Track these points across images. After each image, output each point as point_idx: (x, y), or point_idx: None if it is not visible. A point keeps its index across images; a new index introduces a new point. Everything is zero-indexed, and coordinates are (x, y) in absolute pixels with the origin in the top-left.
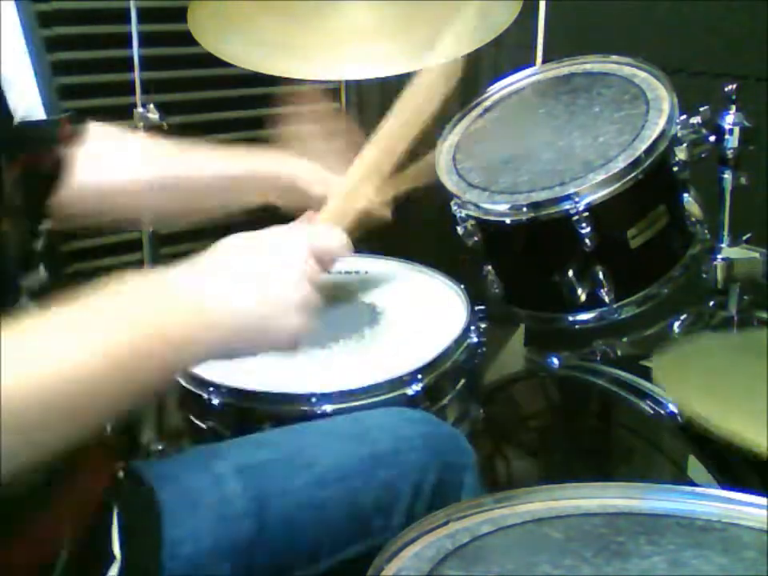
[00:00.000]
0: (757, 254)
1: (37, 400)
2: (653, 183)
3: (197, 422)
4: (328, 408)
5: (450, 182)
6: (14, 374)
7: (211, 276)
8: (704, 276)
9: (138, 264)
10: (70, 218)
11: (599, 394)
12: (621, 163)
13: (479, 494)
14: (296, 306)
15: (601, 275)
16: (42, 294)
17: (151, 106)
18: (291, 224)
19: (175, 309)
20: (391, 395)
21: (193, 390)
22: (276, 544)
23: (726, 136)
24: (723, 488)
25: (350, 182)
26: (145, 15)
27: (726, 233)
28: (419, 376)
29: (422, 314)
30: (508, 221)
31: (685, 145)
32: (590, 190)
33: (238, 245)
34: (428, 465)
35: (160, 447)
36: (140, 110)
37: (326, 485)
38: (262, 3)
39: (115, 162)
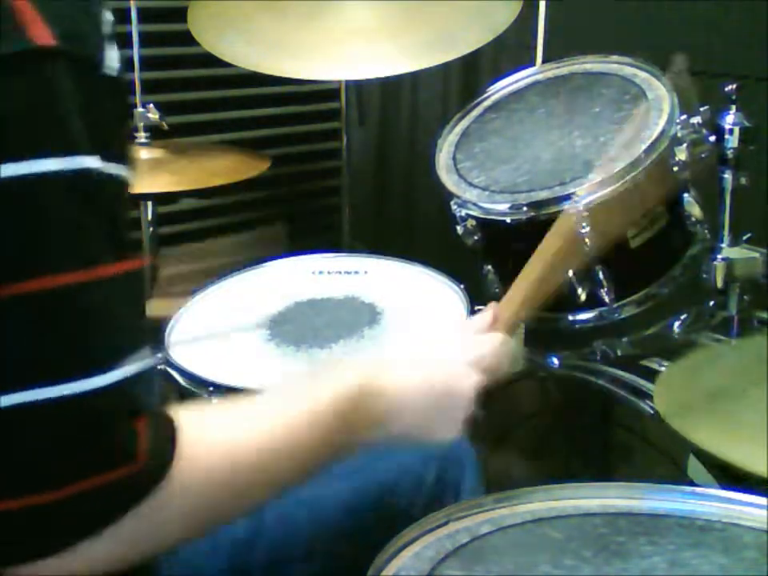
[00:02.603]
0: (757, 254)
1: (261, 456)
2: (653, 183)
3: None
4: None
5: (449, 182)
6: (244, 434)
7: (391, 360)
8: (704, 276)
9: None
10: None
11: (599, 394)
12: (621, 163)
13: (479, 493)
14: (462, 395)
15: (601, 275)
16: None
17: (151, 106)
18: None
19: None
20: None
21: (193, 389)
22: (273, 542)
23: (726, 136)
24: (723, 488)
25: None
26: (145, 15)
27: (726, 233)
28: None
29: (421, 314)
30: (508, 220)
31: (685, 145)
32: (589, 190)
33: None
34: (427, 464)
35: None
36: (140, 109)
37: (323, 483)
38: (262, 3)
39: None
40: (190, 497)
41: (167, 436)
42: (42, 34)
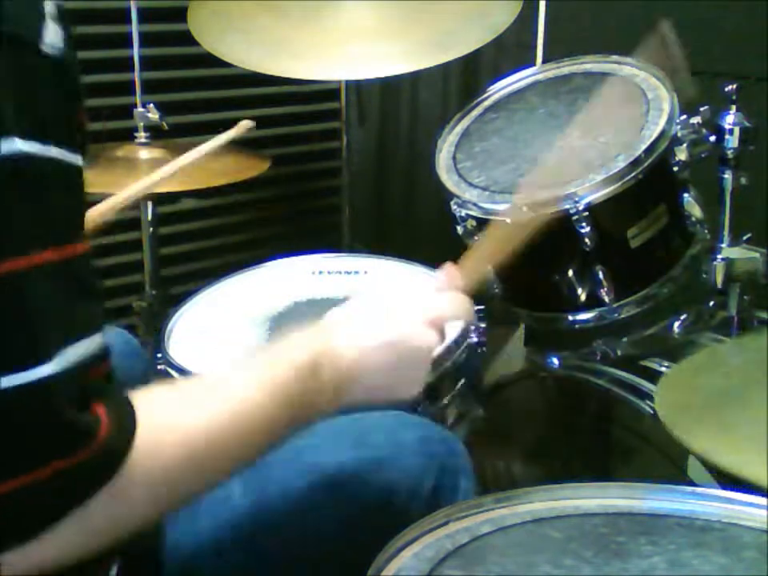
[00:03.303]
0: (757, 254)
1: (219, 433)
2: (653, 183)
3: None
4: None
5: (449, 182)
6: (209, 411)
7: (346, 323)
8: (704, 276)
9: (138, 264)
10: None
11: (599, 394)
12: (621, 163)
13: (474, 497)
14: (422, 353)
15: (601, 275)
16: None
17: (151, 106)
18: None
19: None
20: None
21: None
22: (274, 545)
23: (726, 136)
24: (723, 488)
25: (486, 244)
26: (145, 15)
27: (726, 233)
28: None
29: None
30: (508, 220)
31: (685, 145)
32: (590, 190)
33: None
34: (425, 469)
35: None
36: (140, 109)
37: (324, 488)
38: (261, 3)
39: None
40: (155, 478)
41: (126, 419)
42: None
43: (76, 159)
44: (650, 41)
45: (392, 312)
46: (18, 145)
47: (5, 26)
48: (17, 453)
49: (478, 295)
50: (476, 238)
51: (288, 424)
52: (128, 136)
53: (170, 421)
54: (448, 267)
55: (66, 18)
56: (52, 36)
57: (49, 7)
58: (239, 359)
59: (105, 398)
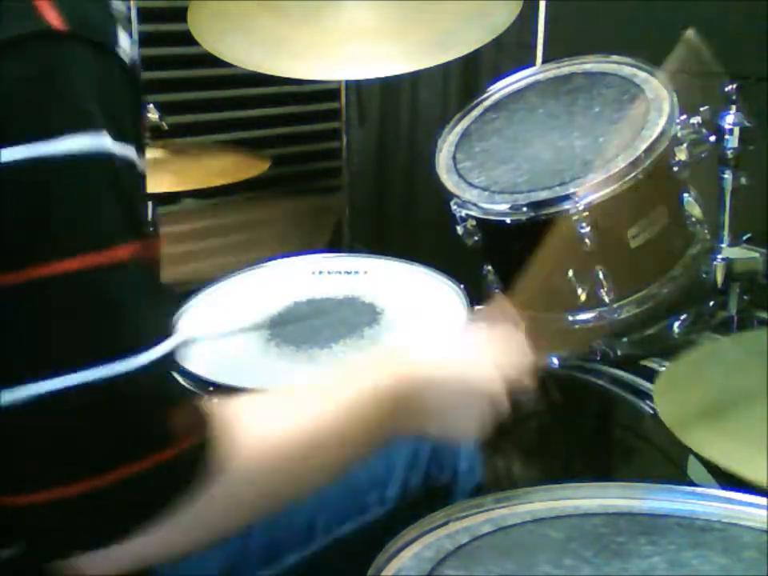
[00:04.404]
0: (757, 254)
1: (303, 444)
2: (653, 183)
3: None
4: None
5: (450, 182)
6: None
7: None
8: (704, 276)
9: None
10: None
11: (599, 394)
12: (621, 163)
13: (477, 462)
14: (490, 397)
15: (601, 275)
16: None
17: (151, 106)
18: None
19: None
20: None
21: (193, 389)
22: (270, 524)
23: (726, 136)
24: (723, 488)
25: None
26: (145, 15)
27: (726, 233)
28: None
29: (421, 314)
30: (508, 221)
31: (685, 145)
32: (589, 190)
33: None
34: (422, 442)
35: None
36: None
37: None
38: (262, 3)
39: None
40: (241, 483)
41: (205, 423)
42: (53, 19)
43: (142, 162)
44: (678, 50)
45: (467, 353)
46: (103, 142)
47: (86, 32)
48: (106, 448)
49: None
50: (476, 238)
51: (363, 445)
52: None
53: (257, 429)
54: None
55: (129, 22)
56: (124, 42)
57: (117, 13)
58: (318, 377)
59: (187, 401)
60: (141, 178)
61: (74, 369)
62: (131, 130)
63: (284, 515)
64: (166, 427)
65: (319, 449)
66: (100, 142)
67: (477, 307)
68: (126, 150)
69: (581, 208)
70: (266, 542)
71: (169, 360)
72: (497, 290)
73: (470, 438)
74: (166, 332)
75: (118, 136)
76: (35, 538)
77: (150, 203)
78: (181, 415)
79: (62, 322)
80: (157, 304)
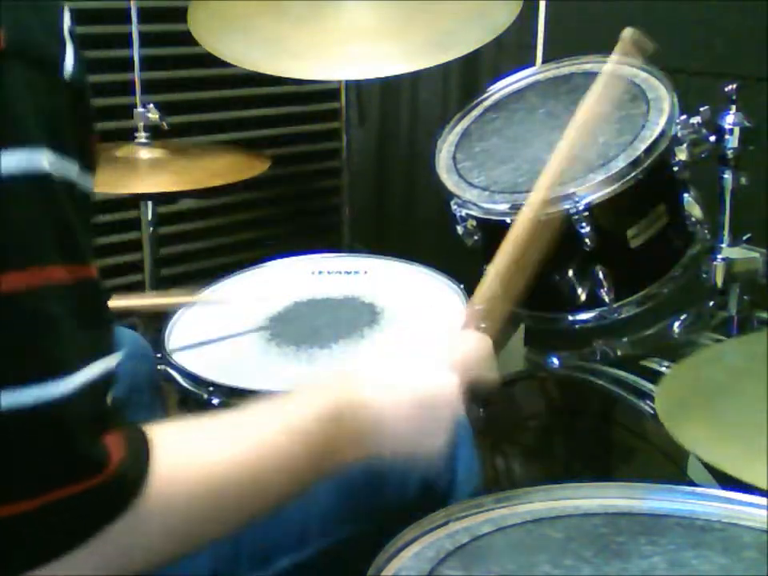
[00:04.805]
0: (757, 254)
1: (240, 473)
2: (653, 183)
3: None
4: None
5: (450, 182)
6: (220, 454)
7: (372, 373)
8: (704, 276)
9: (138, 264)
10: None
11: (599, 394)
12: (621, 163)
13: (475, 466)
14: (448, 405)
15: (601, 275)
16: None
17: (151, 106)
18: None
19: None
20: None
21: (193, 389)
22: (263, 527)
23: (726, 136)
24: (723, 488)
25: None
26: (145, 15)
27: (726, 233)
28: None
29: (421, 314)
30: (508, 220)
31: (685, 145)
32: (589, 190)
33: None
34: None
35: None
36: (140, 109)
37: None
38: (262, 3)
39: None
40: (172, 513)
41: (141, 450)
42: None
43: (89, 183)
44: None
45: (419, 362)
46: (40, 161)
47: (30, 50)
48: (29, 473)
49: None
50: (476, 238)
51: (310, 472)
52: (128, 136)
53: (189, 455)
54: (470, 306)
55: (77, 41)
56: (69, 60)
57: (66, 31)
58: (261, 402)
59: (117, 426)
60: (83, 199)
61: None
62: (74, 149)
63: (276, 519)
64: (92, 452)
65: (259, 479)
66: (36, 160)
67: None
68: (67, 170)
69: (581, 208)
70: (256, 546)
71: (99, 383)
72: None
73: (431, 454)
74: (94, 355)
75: (58, 155)
76: None
77: (149, 202)
78: (114, 442)
79: None
80: (89, 327)
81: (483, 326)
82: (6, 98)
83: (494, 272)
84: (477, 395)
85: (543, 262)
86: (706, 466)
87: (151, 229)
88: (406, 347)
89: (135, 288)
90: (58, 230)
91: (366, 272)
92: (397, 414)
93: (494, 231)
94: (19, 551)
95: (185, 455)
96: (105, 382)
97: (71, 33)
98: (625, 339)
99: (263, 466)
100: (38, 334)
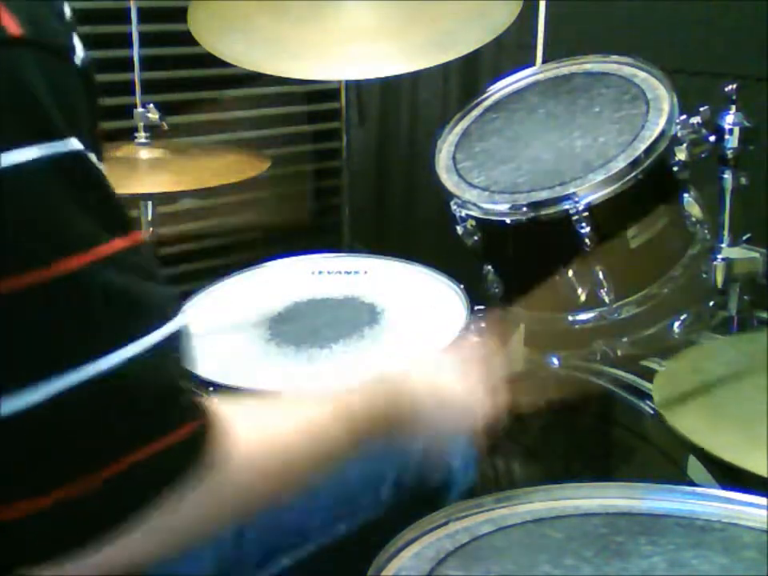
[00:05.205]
0: (757, 254)
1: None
2: (653, 183)
3: None
4: None
5: (450, 182)
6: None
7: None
8: (704, 276)
9: None
10: None
11: (599, 394)
12: (621, 163)
13: (472, 461)
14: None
15: (601, 275)
16: None
17: (151, 106)
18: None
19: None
20: None
21: (193, 389)
22: (263, 527)
23: (726, 136)
24: (723, 488)
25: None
26: (145, 15)
27: (726, 233)
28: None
29: (421, 314)
30: (508, 221)
31: (685, 145)
32: (589, 190)
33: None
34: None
35: None
36: (140, 109)
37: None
38: (262, 3)
39: None
40: (247, 471)
41: (207, 412)
42: (9, 25)
43: (102, 167)
44: None
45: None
46: (70, 144)
47: (45, 37)
48: (137, 425)
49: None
50: (476, 238)
51: (348, 448)
52: (128, 136)
53: (255, 425)
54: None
55: (77, 30)
56: (79, 47)
57: (69, 21)
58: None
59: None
60: (103, 177)
61: (80, 363)
62: (88, 134)
63: (277, 516)
64: (168, 413)
65: (316, 448)
66: (62, 146)
67: (477, 308)
68: (89, 155)
69: (581, 208)
70: (259, 543)
71: (172, 342)
72: (497, 290)
73: (455, 448)
74: (177, 307)
75: (77, 139)
76: (25, 544)
77: (149, 202)
78: (183, 401)
79: (62, 321)
80: (153, 290)
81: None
82: (26, 85)
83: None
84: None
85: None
86: (706, 465)
87: (151, 229)
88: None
89: None
90: (102, 207)
91: (365, 272)
92: (426, 416)
93: (493, 231)
94: (93, 521)
95: (251, 428)
96: (180, 336)
97: (73, 21)
98: (625, 339)
99: (320, 436)
100: (109, 305)
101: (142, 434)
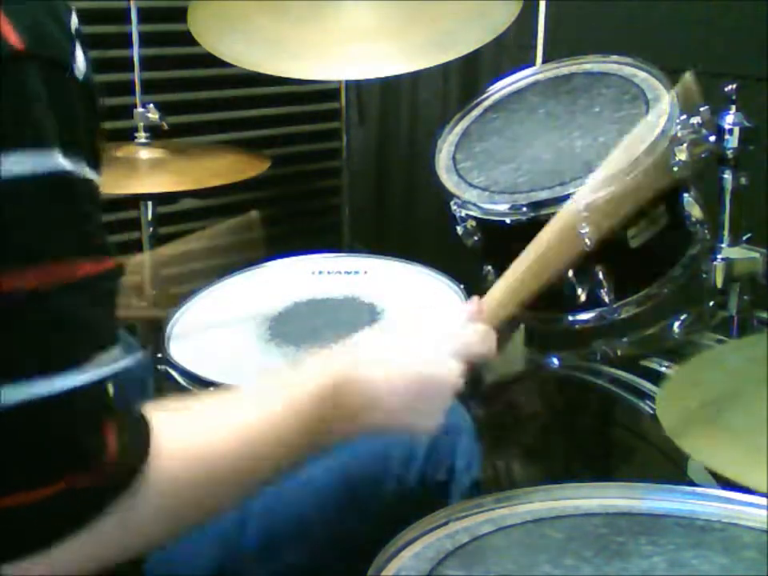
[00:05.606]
0: (757, 254)
1: (233, 453)
2: (653, 183)
3: None
4: None
5: (450, 182)
6: (223, 426)
7: (371, 348)
8: (704, 276)
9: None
10: None
11: (599, 394)
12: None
13: (475, 458)
14: (445, 385)
15: (601, 275)
16: None
17: (151, 106)
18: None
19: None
20: None
21: (193, 389)
22: (265, 523)
23: (726, 136)
24: (723, 488)
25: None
26: (145, 15)
27: (726, 233)
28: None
29: (421, 314)
30: (508, 221)
31: (685, 145)
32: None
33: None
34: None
35: None
36: (140, 109)
37: (313, 457)
38: (262, 3)
39: None
40: (168, 496)
41: (141, 438)
42: (10, 38)
43: (99, 181)
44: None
45: (419, 341)
46: (58, 161)
47: (44, 50)
48: (29, 465)
49: (502, 331)
50: (476, 238)
51: (305, 446)
52: (128, 136)
53: (183, 438)
54: (476, 300)
55: (83, 41)
56: (80, 59)
57: (75, 32)
58: (256, 379)
59: (116, 415)
60: (96, 196)
61: (14, 381)
62: (86, 147)
63: (279, 512)
64: (92, 443)
65: (256, 453)
66: (54, 159)
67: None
68: (81, 168)
69: (581, 206)
70: (261, 538)
71: (106, 376)
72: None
73: (427, 427)
74: (105, 347)
75: (71, 153)
76: None
77: (149, 202)
78: (114, 434)
79: (6, 335)
80: (106, 319)
81: (488, 321)
82: (25, 100)
83: (512, 273)
84: (475, 390)
85: (560, 275)
86: (706, 466)
87: (151, 229)
88: (406, 330)
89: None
90: (77, 227)
91: (365, 272)
92: (391, 389)
93: (494, 231)
94: (20, 539)
95: (178, 437)
96: (113, 374)
97: (78, 32)
98: (625, 339)
99: (260, 439)
100: (54, 328)
101: (47, 471)
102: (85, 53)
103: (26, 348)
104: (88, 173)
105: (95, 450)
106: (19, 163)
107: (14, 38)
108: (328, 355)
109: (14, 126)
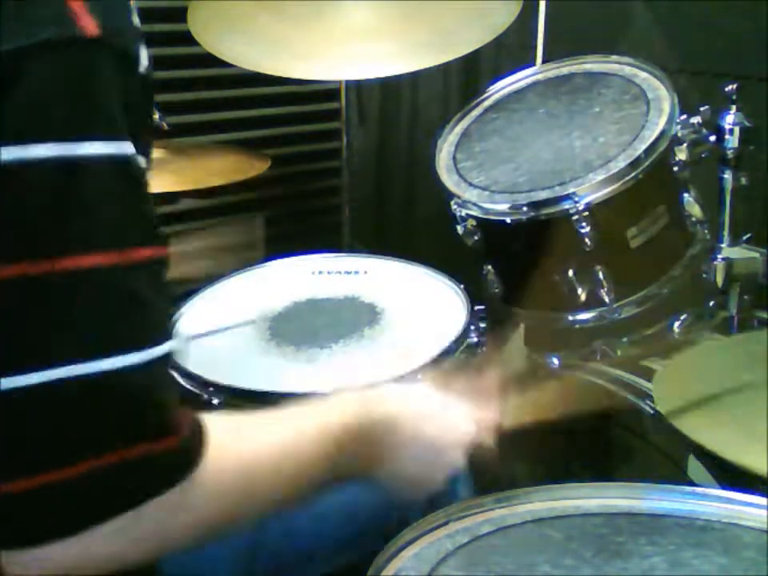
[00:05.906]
0: (757, 254)
1: (271, 465)
2: (653, 183)
3: None
4: None
5: (450, 182)
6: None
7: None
8: (704, 276)
9: None
10: None
11: (599, 394)
12: (621, 163)
13: (470, 488)
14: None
15: (601, 275)
16: None
17: None
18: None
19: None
20: None
21: (193, 389)
22: (275, 551)
23: (726, 136)
24: (723, 488)
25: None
26: (145, 15)
27: (726, 233)
28: (419, 376)
29: (421, 314)
30: (508, 220)
31: (685, 145)
32: (590, 190)
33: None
34: None
35: None
36: None
37: (324, 493)
38: (262, 3)
39: None
40: (222, 484)
41: (198, 428)
42: (89, 25)
43: (149, 171)
44: None
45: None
46: (126, 147)
47: (119, 41)
48: (117, 429)
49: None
50: (476, 238)
51: (320, 474)
52: None
53: (230, 444)
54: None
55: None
56: (143, 56)
57: (138, 29)
58: (294, 404)
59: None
60: (147, 185)
61: (84, 359)
62: (142, 140)
63: (289, 540)
64: (156, 421)
65: (283, 471)
66: (122, 147)
67: (477, 308)
68: (138, 159)
69: (581, 208)
70: (270, 568)
71: (169, 359)
72: (497, 290)
73: (425, 488)
74: (167, 332)
75: (135, 145)
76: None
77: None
78: (172, 413)
79: (80, 312)
80: (165, 306)
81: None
82: (98, 86)
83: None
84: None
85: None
86: (706, 465)
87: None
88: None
89: None
90: (141, 213)
91: (365, 272)
92: (402, 448)
93: (493, 231)
94: (95, 505)
95: (225, 443)
96: (172, 359)
97: (139, 31)
98: (625, 339)
99: (295, 457)
100: (124, 308)
101: (125, 437)
102: (147, 49)
103: (94, 326)
104: (142, 162)
105: (168, 420)
106: (90, 146)
107: (92, 27)
108: (348, 398)
109: (86, 110)
